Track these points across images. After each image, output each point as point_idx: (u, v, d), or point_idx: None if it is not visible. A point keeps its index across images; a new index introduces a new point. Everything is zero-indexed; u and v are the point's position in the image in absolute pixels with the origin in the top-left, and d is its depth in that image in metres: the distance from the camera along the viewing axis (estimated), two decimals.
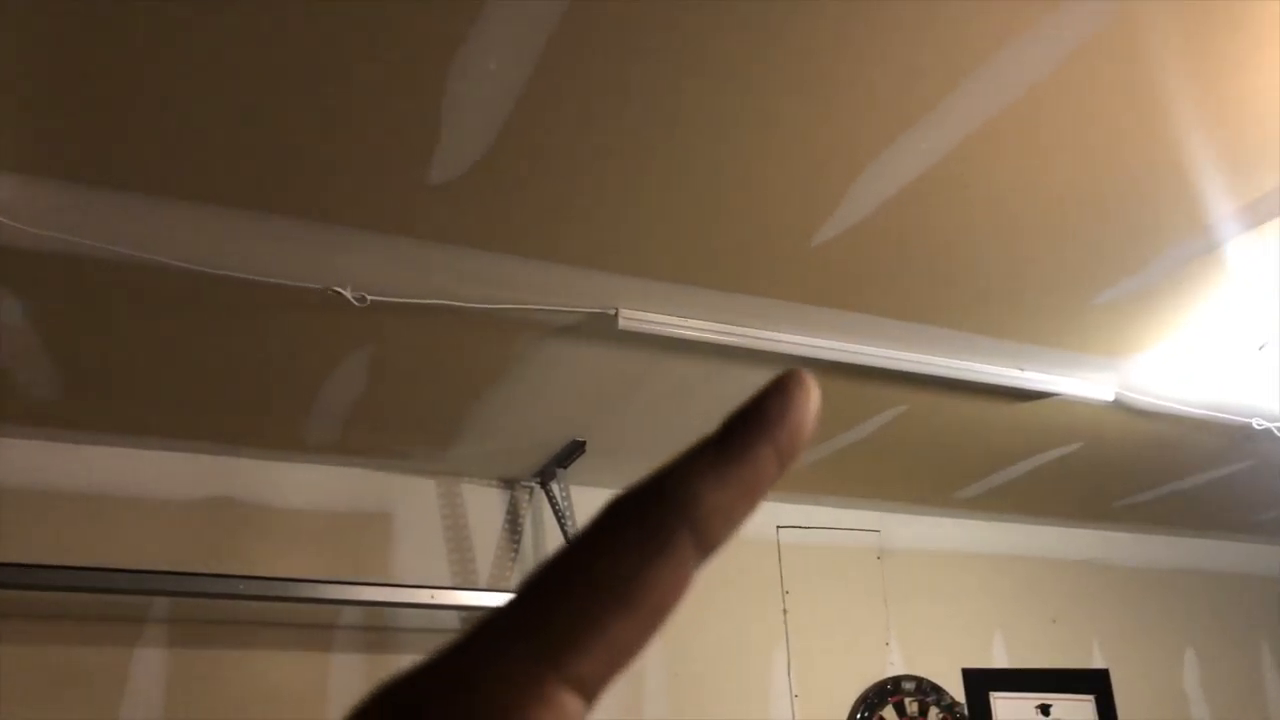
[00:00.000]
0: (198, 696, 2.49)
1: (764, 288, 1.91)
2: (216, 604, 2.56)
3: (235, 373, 2.17)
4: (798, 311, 2.01)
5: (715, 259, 1.79)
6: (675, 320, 2.00)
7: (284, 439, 2.56)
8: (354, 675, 2.65)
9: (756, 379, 2.33)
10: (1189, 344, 2.19)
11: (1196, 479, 3.19)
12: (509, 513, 2.99)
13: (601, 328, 2.01)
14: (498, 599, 2.65)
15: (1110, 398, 2.41)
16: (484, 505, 2.97)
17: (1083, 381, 2.35)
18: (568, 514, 2.84)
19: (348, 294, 1.74)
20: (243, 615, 2.59)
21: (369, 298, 1.76)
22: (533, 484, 3.03)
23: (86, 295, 1.78)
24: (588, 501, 3.03)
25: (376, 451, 2.70)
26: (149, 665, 2.48)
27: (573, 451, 2.74)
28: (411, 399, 2.35)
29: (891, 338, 2.12)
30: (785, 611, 3.20)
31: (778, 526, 3.31)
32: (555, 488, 2.91)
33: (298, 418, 2.42)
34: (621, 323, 1.95)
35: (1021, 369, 2.30)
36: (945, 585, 3.48)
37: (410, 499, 2.88)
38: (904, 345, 2.16)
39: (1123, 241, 1.81)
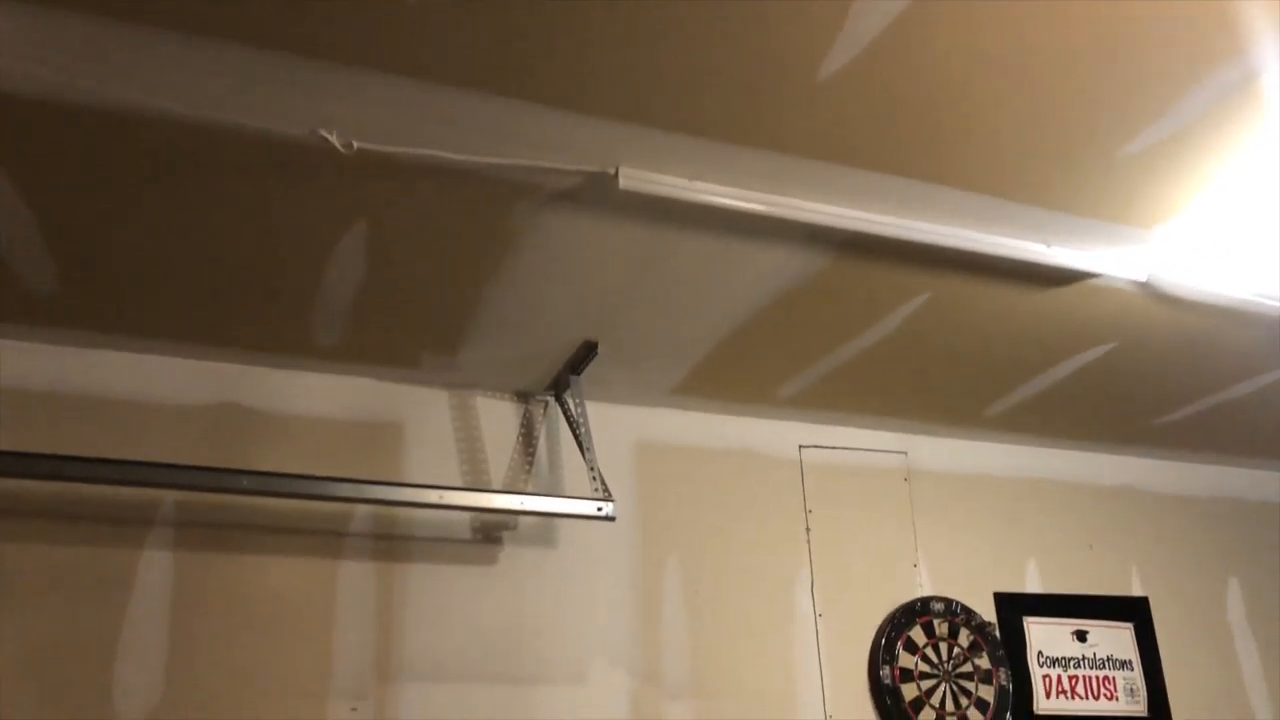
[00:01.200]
0: (205, 599, 2.45)
1: (771, 138, 1.81)
2: (224, 508, 2.52)
3: (233, 255, 2.11)
4: (809, 171, 1.91)
5: (716, 99, 1.71)
6: (679, 181, 1.91)
7: (290, 340, 2.51)
8: (363, 582, 2.60)
9: (771, 260, 2.25)
10: (1225, 206, 2.07)
11: (1238, 389, 3.05)
12: (523, 427, 2.92)
13: (602, 192, 1.93)
14: (507, 500, 2.60)
15: (1143, 277, 2.29)
16: (497, 419, 2.91)
17: (1113, 257, 2.23)
18: (583, 427, 2.77)
19: (333, 139, 1.68)
20: (251, 520, 2.55)
21: (356, 145, 1.70)
22: (547, 398, 2.96)
23: (65, 148, 1.73)
24: (604, 418, 2.96)
25: (385, 357, 2.64)
26: (156, 567, 2.44)
27: (585, 354, 2.66)
28: (413, 288, 2.29)
29: (909, 201, 2.02)
30: (809, 530, 3.11)
31: (800, 446, 3.22)
32: (570, 401, 2.84)
33: (302, 312, 2.37)
34: (622, 182, 1.87)
35: (1048, 244, 2.19)
36: (976, 509, 3.36)
37: (422, 412, 2.82)
38: (922, 211, 2.05)
39: (1152, 74, 1.70)
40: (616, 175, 1.87)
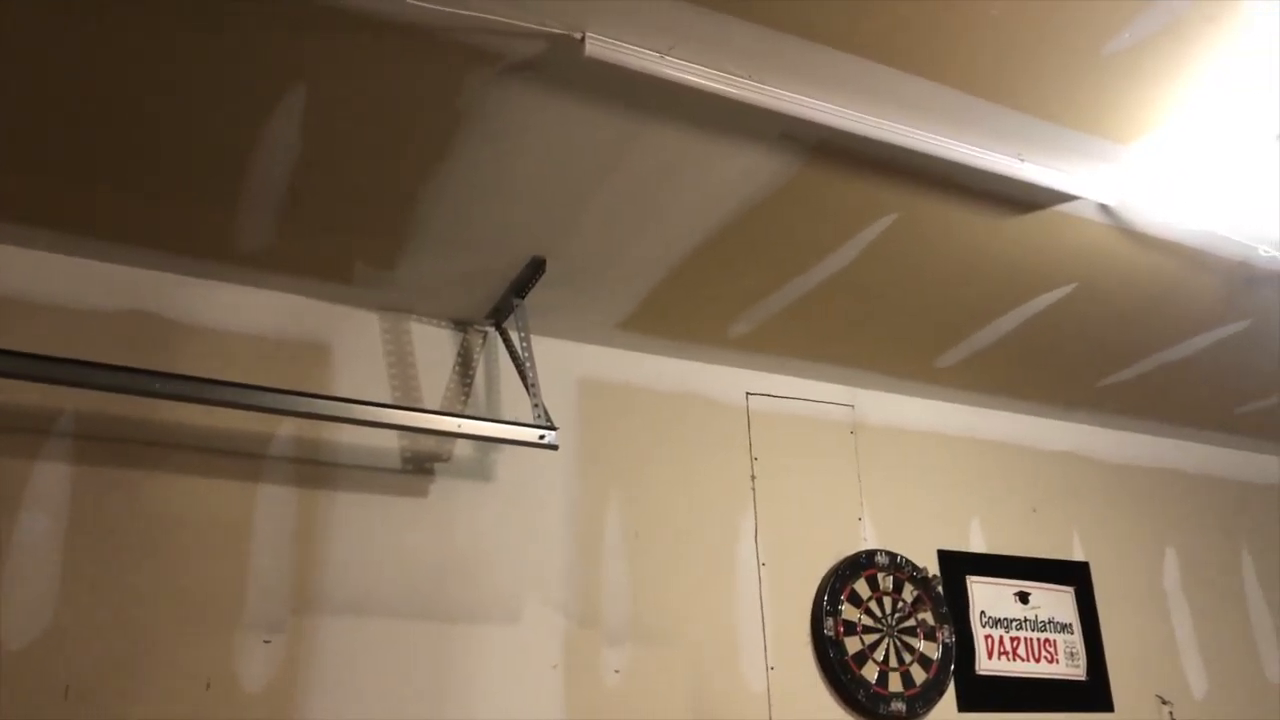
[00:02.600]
0: (104, 519, 2.24)
1: (747, 6, 1.70)
2: (130, 421, 2.31)
3: (154, 122, 1.92)
4: (786, 51, 1.80)
5: None
6: (651, 53, 1.79)
7: (212, 240, 2.32)
8: (282, 509, 2.41)
9: (737, 166, 2.14)
10: (1201, 124, 2.02)
11: (1188, 345, 3.03)
12: (460, 357, 2.76)
13: (565, 62, 1.79)
14: (444, 421, 2.43)
15: (1114, 201, 2.24)
16: (432, 348, 2.74)
17: (1086, 177, 2.17)
18: (528, 358, 2.60)
19: None
20: (160, 436, 2.34)
21: None
22: (486, 328, 2.80)
23: None
24: (546, 353, 2.81)
25: (316, 267, 2.46)
26: (50, 481, 2.22)
27: (532, 274, 2.51)
28: (351, 178, 2.11)
29: (886, 96, 1.92)
30: (754, 478, 3.00)
31: (747, 393, 3.11)
32: (513, 333, 2.68)
33: (227, 204, 2.17)
34: (589, 48, 1.74)
35: (1021, 158, 2.11)
36: (922, 466, 3.29)
37: (352, 335, 2.64)
38: (898, 110, 1.96)
39: None
40: (583, 40, 1.73)
